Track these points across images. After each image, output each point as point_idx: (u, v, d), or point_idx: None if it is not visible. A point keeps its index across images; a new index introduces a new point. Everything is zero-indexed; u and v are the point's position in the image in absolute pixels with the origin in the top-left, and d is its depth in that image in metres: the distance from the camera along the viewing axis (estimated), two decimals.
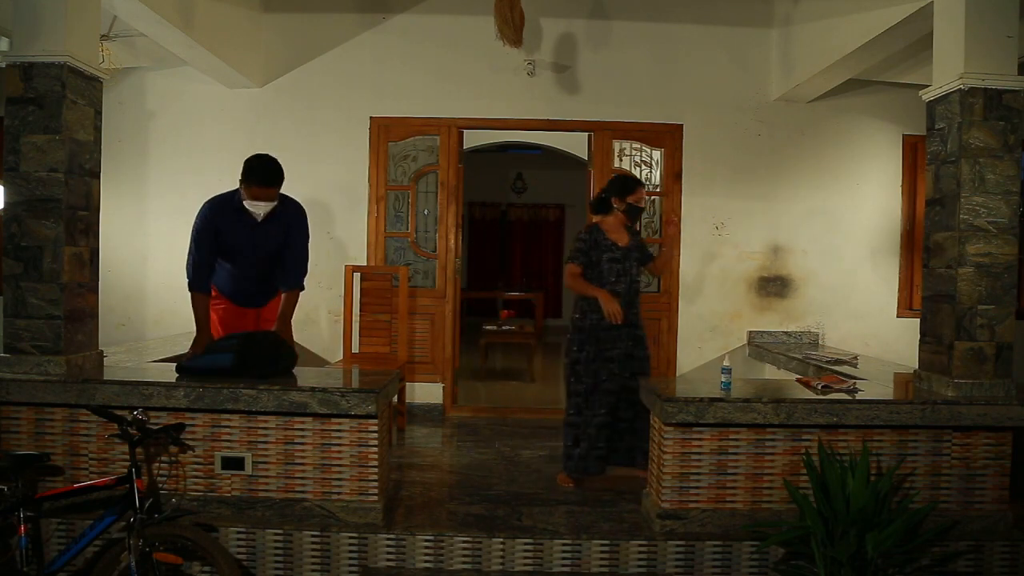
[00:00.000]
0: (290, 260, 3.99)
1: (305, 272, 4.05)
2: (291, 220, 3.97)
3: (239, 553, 3.22)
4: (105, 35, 4.71)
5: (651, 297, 5.84)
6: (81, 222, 3.43)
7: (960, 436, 3.38)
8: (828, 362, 4.63)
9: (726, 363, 3.56)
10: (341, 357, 5.42)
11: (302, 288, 4.05)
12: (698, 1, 5.74)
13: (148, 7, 4.03)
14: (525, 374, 7.84)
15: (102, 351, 3.65)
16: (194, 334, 3.93)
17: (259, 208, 3.82)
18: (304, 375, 3.64)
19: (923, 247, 3.71)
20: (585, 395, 4.04)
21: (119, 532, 2.97)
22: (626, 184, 4.21)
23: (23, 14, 3.31)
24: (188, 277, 3.94)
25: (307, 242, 4.06)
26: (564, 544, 3.27)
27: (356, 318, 5.38)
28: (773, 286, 5.82)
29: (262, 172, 3.76)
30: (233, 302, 4.12)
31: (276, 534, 3.24)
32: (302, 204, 4.07)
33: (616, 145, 5.86)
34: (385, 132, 5.79)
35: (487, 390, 7.17)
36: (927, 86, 3.62)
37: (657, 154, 5.88)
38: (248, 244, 3.93)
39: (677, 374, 5.76)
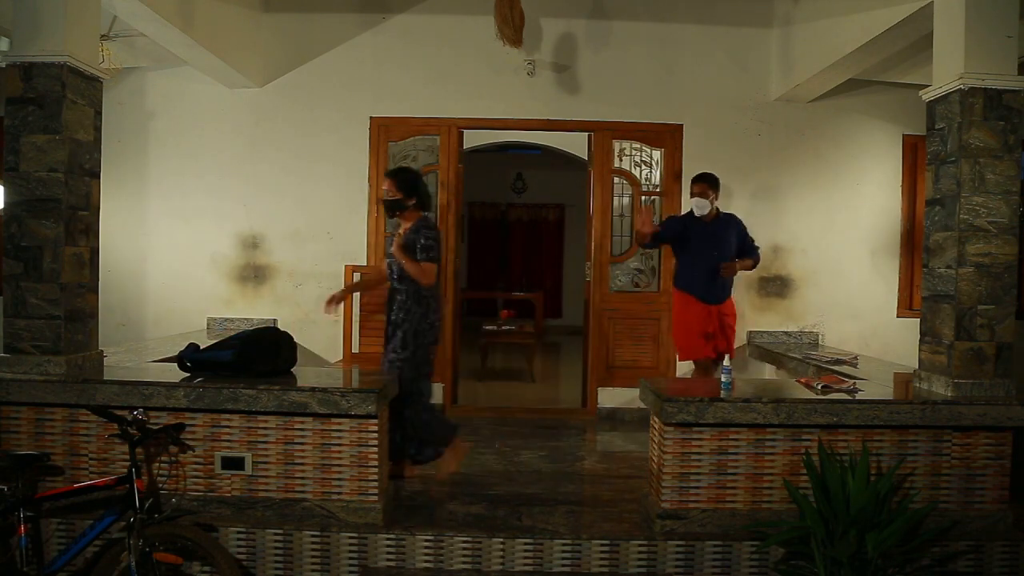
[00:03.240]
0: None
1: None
2: (736, 223, 4.96)
3: (239, 553, 3.22)
4: (105, 35, 4.71)
5: (651, 296, 5.85)
6: (81, 222, 3.42)
7: (960, 436, 3.37)
8: (828, 362, 4.62)
9: (726, 363, 3.56)
10: (341, 357, 5.42)
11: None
12: (698, 1, 5.74)
13: (148, 7, 4.03)
14: (525, 374, 7.83)
15: (102, 351, 3.65)
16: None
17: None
18: (304, 375, 3.65)
19: (923, 247, 3.71)
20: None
21: (119, 532, 2.97)
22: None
23: (23, 14, 3.30)
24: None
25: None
26: (564, 544, 3.27)
27: (356, 318, 5.38)
28: (773, 286, 5.82)
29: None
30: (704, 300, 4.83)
31: (276, 534, 3.24)
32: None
33: (616, 145, 5.86)
34: (385, 132, 5.79)
35: (487, 390, 7.17)
36: (927, 86, 3.62)
37: (657, 154, 5.88)
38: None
39: (677, 374, 5.76)
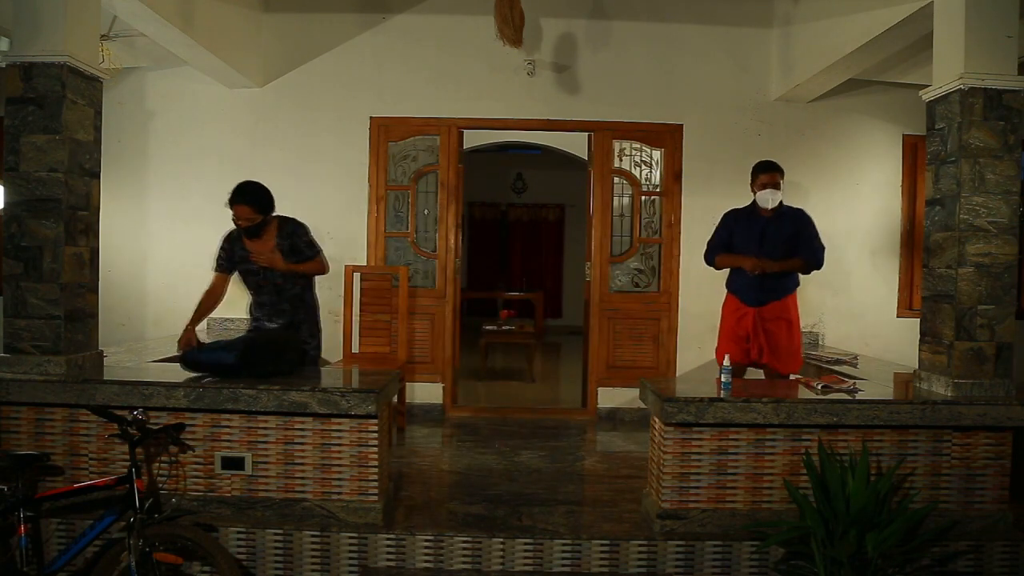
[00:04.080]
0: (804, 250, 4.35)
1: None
2: (798, 219, 4.40)
3: (239, 553, 3.22)
4: (105, 35, 4.71)
5: (651, 297, 5.85)
6: (81, 222, 3.42)
7: (960, 436, 3.38)
8: (828, 362, 4.63)
9: (726, 363, 3.55)
10: (341, 357, 5.42)
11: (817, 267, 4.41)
12: (698, 1, 5.74)
13: (148, 7, 4.03)
14: (525, 374, 7.84)
15: (102, 351, 3.65)
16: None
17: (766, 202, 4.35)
18: (304, 375, 3.64)
19: (923, 247, 3.71)
20: None
21: (119, 532, 2.97)
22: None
23: (23, 14, 3.30)
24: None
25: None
26: (564, 544, 3.27)
27: (356, 318, 5.38)
28: None
29: None
30: (742, 301, 4.43)
31: (276, 534, 3.24)
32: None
33: (616, 145, 5.86)
34: (385, 132, 5.79)
35: (487, 390, 7.17)
36: (927, 86, 3.62)
37: (657, 154, 5.88)
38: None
39: (677, 374, 5.76)
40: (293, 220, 4.04)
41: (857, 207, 5.85)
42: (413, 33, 5.75)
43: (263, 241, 3.92)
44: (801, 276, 4.51)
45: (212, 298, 4.04)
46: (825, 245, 4.39)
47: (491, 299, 11.46)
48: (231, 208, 3.87)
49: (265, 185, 3.98)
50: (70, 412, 3.35)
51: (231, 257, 4.02)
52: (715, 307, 5.77)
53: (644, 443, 4.56)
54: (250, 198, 3.86)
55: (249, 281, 4.05)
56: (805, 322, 5.78)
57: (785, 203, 4.43)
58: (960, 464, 3.39)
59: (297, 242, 3.98)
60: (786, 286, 4.40)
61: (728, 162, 5.78)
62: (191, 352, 3.58)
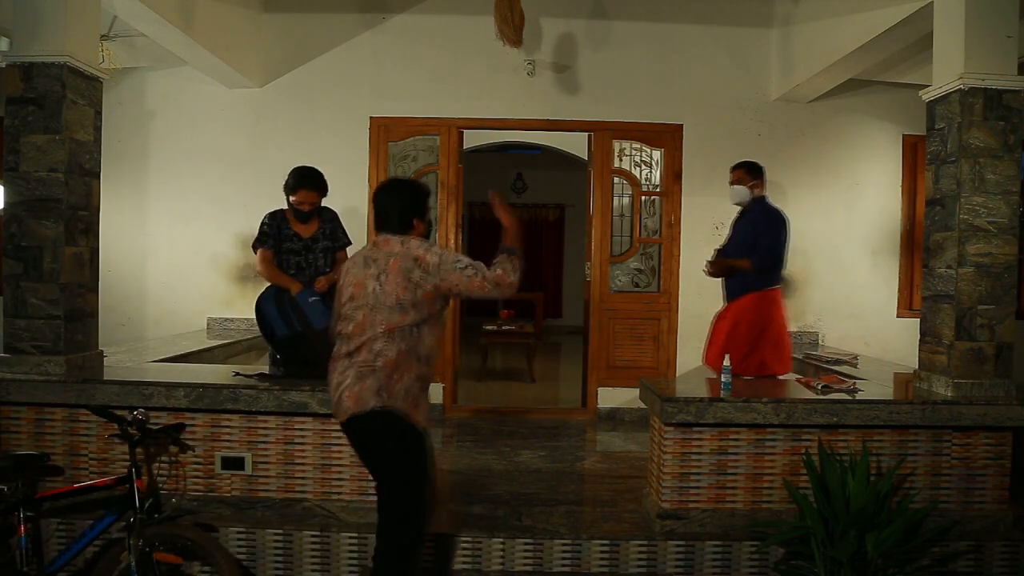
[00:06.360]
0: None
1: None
2: (755, 216, 4.32)
3: (239, 553, 3.22)
4: (105, 35, 4.71)
5: (651, 297, 5.85)
6: (81, 222, 3.43)
7: (960, 436, 3.37)
8: (828, 362, 4.63)
9: (726, 363, 3.55)
10: None
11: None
12: (698, 1, 5.74)
13: (148, 7, 4.04)
14: (525, 374, 7.83)
15: (102, 351, 3.65)
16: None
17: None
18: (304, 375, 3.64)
19: (923, 247, 3.71)
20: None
21: (119, 532, 2.97)
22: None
23: (23, 14, 3.31)
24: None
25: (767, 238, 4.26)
26: (564, 544, 3.26)
27: None
28: None
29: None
30: None
31: (276, 534, 3.24)
32: None
33: (616, 145, 5.86)
34: (385, 132, 5.79)
35: (487, 390, 7.17)
36: (927, 86, 3.62)
37: (657, 154, 5.88)
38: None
39: (677, 374, 5.76)
40: (329, 208, 4.12)
41: (857, 207, 5.85)
42: (413, 33, 5.75)
43: (309, 225, 3.97)
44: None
45: (272, 265, 3.90)
46: (777, 244, 4.24)
47: (491, 299, 11.45)
48: (294, 194, 3.88)
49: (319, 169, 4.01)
50: (70, 412, 3.35)
51: (277, 235, 3.96)
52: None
53: (644, 443, 4.56)
54: (317, 184, 3.94)
55: (290, 260, 3.97)
56: (805, 322, 5.81)
57: (773, 202, 4.40)
58: (960, 464, 3.39)
59: (336, 228, 4.06)
60: (736, 286, 4.29)
61: (728, 162, 5.68)
62: (307, 294, 3.64)
